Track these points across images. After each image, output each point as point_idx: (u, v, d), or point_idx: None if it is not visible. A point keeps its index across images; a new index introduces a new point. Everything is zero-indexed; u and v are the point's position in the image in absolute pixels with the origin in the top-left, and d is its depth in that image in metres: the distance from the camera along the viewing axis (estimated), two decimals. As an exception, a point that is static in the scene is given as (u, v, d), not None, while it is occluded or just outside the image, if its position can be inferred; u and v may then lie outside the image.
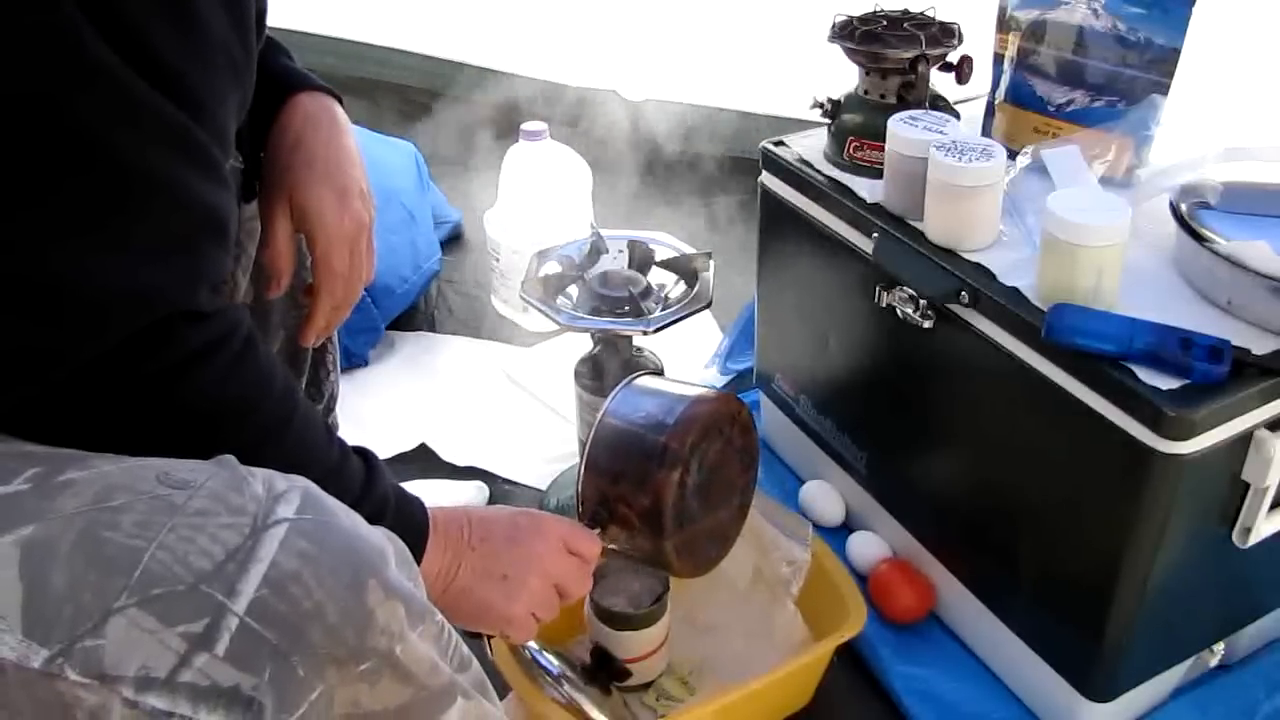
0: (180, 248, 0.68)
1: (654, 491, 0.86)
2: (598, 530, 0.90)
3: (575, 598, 0.89)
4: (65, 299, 0.64)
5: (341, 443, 0.80)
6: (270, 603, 0.60)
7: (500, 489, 1.45)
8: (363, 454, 0.82)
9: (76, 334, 0.64)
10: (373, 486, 0.79)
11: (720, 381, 1.60)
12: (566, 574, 0.88)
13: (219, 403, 0.71)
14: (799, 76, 1.52)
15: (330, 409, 1.24)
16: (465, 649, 0.72)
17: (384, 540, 0.67)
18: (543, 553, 0.87)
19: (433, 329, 1.83)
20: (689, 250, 1.34)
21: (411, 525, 0.81)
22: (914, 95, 1.12)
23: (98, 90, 0.61)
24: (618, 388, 0.92)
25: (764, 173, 1.25)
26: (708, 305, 1.29)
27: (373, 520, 0.71)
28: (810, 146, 1.22)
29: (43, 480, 0.63)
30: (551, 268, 1.31)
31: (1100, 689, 1.00)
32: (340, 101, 0.98)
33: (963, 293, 0.99)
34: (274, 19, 0.89)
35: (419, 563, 0.76)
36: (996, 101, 1.18)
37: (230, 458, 0.67)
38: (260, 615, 0.60)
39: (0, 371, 0.64)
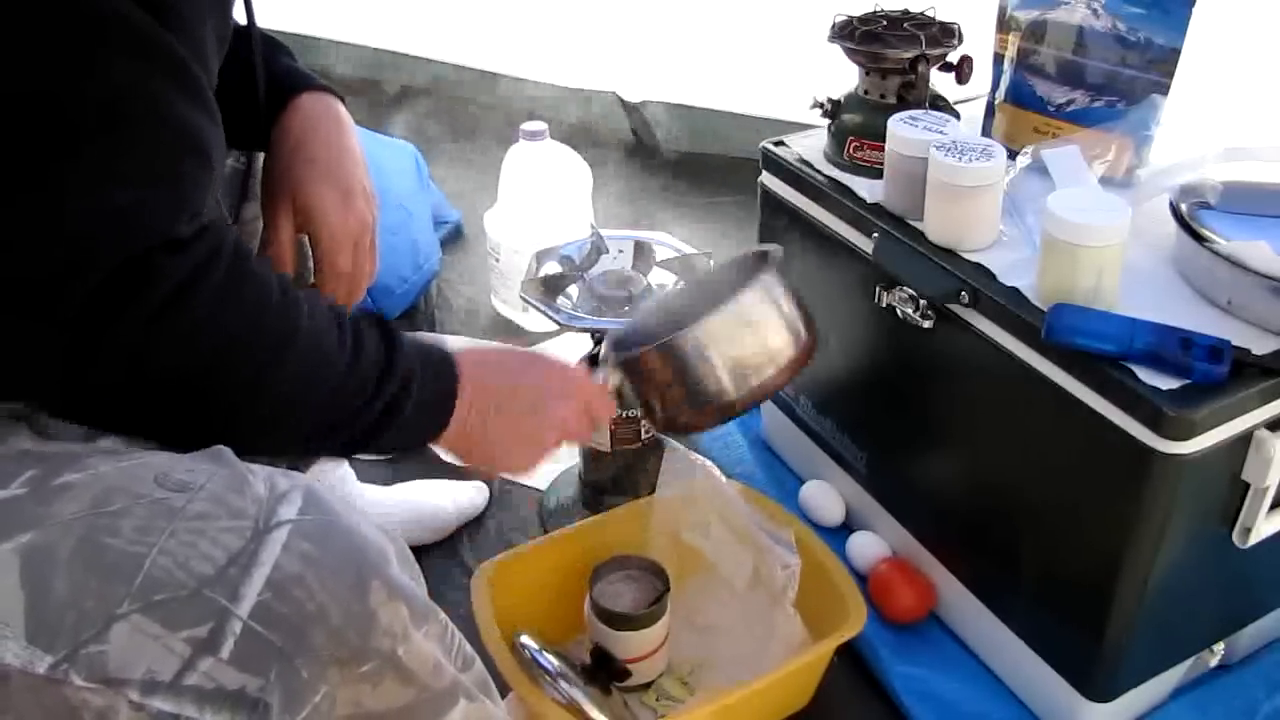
0: (163, 173, 0.64)
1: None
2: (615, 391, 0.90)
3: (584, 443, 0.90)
4: (44, 229, 0.60)
5: (355, 334, 0.74)
6: (273, 606, 0.60)
7: (500, 489, 1.45)
8: (378, 329, 0.76)
9: (59, 268, 0.60)
10: (391, 372, 0.74)
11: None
12: (579, 431, 0.88)
13: (217, 332, 0.66)
14: (799, 77, 1.52)
15: None
16: (469, 648, 0.73)
17: (385, 540, 0.67)
18: (564, 417, 0.86)
19: (433, 329, 1.83)
20: (689, 250, 1.34)
21: (440, 391, 0.79)
22: (914, 95, 1.12)
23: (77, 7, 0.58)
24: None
25: (764, 173, 1.25)
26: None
27: (397, 402, 0.73)
28: (810, 146, 1.22)
29: (39, 484, 0.62)
30: (551, 268, 1.31)
31: (1100, 689, 1.00)
32: (343, 101, 0.98)
33: (963, 293, 0.99)
34: (276, 21, 0.89)
35: (446, 423, 0.78)
36: (996, 101, 1.18)
37: (229, 454, 0.67)
38: (264, 619, 0.60)
39: None
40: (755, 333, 0.87)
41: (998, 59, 1.17)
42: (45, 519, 0.61)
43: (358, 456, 0.83)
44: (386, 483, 1.40)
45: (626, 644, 1.08)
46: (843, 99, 1.18)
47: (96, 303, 0.61)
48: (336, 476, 1.27)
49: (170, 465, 0.65)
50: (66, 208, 0.60)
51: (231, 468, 0.65)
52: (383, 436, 0.75)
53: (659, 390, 0.87)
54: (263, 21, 0.92)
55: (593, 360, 1.30)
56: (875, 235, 1.09)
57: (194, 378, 0.66)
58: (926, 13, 1.16)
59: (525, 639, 1.04)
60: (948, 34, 1.13)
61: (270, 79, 0.92)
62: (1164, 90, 1.06)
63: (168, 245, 0.63)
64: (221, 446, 0.69)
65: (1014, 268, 0.99)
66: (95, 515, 0.61)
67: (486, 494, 1.43)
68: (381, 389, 0.74)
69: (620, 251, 1.32)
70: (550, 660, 1.03)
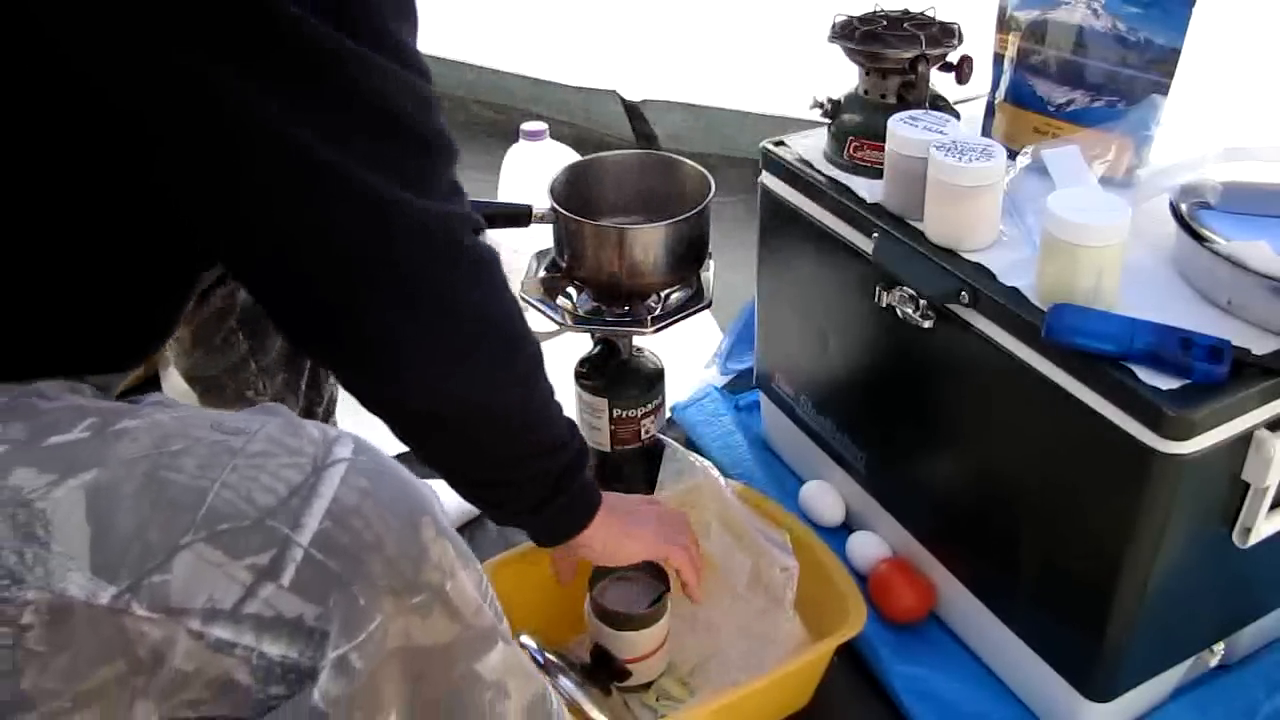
0: (458, 186, 0.74)
1: None
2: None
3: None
4: (398, 223, 0.68)
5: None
6: (333, 534, 0.62)
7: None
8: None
9: (407, 246, 0.69)
10: (575, 434, 0.88)
11: (720, 381, 1.60)
12: (670, 531, 1.03)
13: (510, 301, 0.77)
14: (799, 76, 1.52)
15: (330, 411, 1.24)
16: (499, 604, 0.74)
17: (428, 486, 0.70)
18: (654, 526, 1.01)
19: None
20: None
21: (591, 484, 0.93)
22: (914, 95, 1.12)
23: (410, 84, 0.68)
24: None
25: (764, 173, 1.25)
26: (708, 305, 1.29)
27: (574, 465, 0.87)
28: (810, 146, 1.22)
29: (100, 429, 0.65)
30: (552, 267, 1.31)
31: (1100, 689, 1.00)
32: None
33: (963, 293, 0.99)
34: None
35: (580, 531, 0.92)
36: (996, 101, 1.18)
37: (282, 407, 0.71)
38: (324, 546, 0.62)
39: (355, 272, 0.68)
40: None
41: (998, 59, 1.17)
42: (109, 458, 0.63)
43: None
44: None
45: (627, 644, 1.08)
46: (843, 99, 1.18)
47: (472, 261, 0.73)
48: None
49: (223, 415, 0.68)
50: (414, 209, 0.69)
51: (285, 416, 0.68)
52: (554, 498, 0.87)
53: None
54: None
55: (591, 361, 1.31)
56: (875, 235, 1.09)
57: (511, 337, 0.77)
58: (926, 13, 1.16)
59: (525, 639, 1.04)
60: (948, 34, 1.13)
61: None
62: (1164, 90, 1.06)
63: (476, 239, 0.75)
64: (273, 404, 0.73)
65: (1014, 268, 0.99)
66: (158, 454, 0.63)
67: (486, 494, 1.43)
68: (572, 440, 0.87)
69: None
70: (550, 660, 1.03)
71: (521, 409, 0.81)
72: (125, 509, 0.61)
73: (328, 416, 1.24)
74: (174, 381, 1.58)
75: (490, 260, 0.75)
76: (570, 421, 0.88)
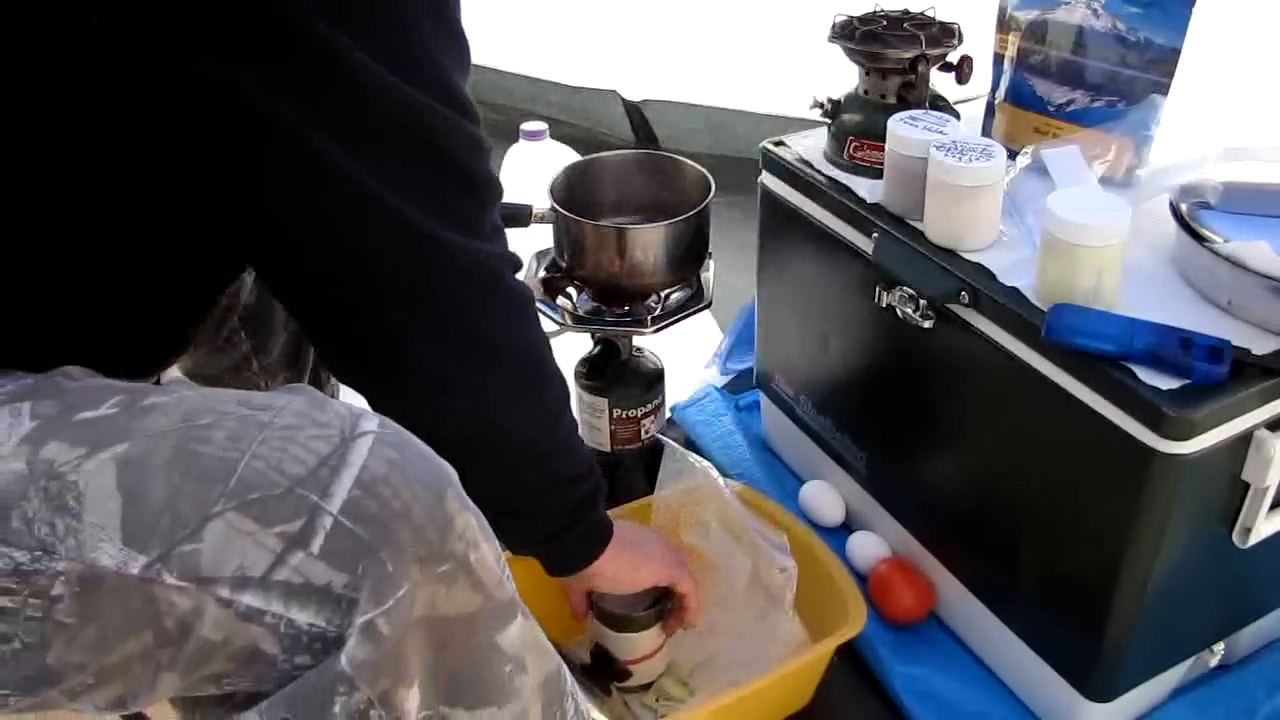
0: (499, 227, 0.78)
1: None
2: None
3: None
4: (438, 258, 0.72)
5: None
6: (362, 502, 0.63)
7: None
8: None
9: (445, 280, 0.73)
10: (592, 467, 0.92)
11: (720, 381, 1.60)
12: (667, 564, 1.06)
13: (539, 339, 0.83)
14: (799, 76, 1.52)
15: None
16: (514, 581, 0.75)
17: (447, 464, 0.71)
18: (660, 560, 1.05)
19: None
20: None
21: (604, 519, 0.96)
22: (914, 95, 1.12)
23: (461, 128, 0.72)
24: None
25: (764, 173, 1.25)
26: (708, 305, 1.29)
27: (593, 498, 0.91)
28: (810, 146, 1.22)
29: (129, 404, 0.66)
30: (552, 267, 1.31)
31: (1100, 689, 1.00)
32: None
33: (963, 293, 0.99)
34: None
35: (591, 563, 0.95)
36: (996, 101, 1.18)
37: (306, 386, 0.71)
38: (353, 514, 0.63)
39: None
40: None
41: (998, 59, 1.17)
42: (138, 431, 0.64)
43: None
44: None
45: (627, 645, 1.08)
46: (843, 99, 1.18)
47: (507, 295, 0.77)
48: None
49: (249, 394, 0.69)
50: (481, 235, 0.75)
51: (310, 394, 0.69)
52: (588, 517, 0.92)
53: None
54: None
55: (591, 361, 1.31)
56: (875, 235, 1.09)
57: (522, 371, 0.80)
58: (926, 13, 1.16)
59: (525, 639, 1.04)
60: (948, 34, 1.13)
61: None
62: (1164, 90, 1.06)
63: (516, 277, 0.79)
64: (298, 384, 0.74)
65: (1014, 268, 0.99)
66: (187, 427, 0.64)
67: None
68: (591, 473, 0.91)
69: (620, 251, 1.32)
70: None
71: (547, 439, 0.85)
72: (156, 480, 0.62)
73: None
74: (173, 377, 1.59)
75: (526, 297, 0.80)
76: (590, 454, 0.91)
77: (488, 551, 0.70)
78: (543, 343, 0.82)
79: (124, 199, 0.71)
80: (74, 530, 0.61)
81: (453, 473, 0.69)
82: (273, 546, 0.62)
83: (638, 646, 1.09)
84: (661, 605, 1.08)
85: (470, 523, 0.68)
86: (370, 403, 0.77)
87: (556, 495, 0.88)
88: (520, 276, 0.80)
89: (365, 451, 0.65)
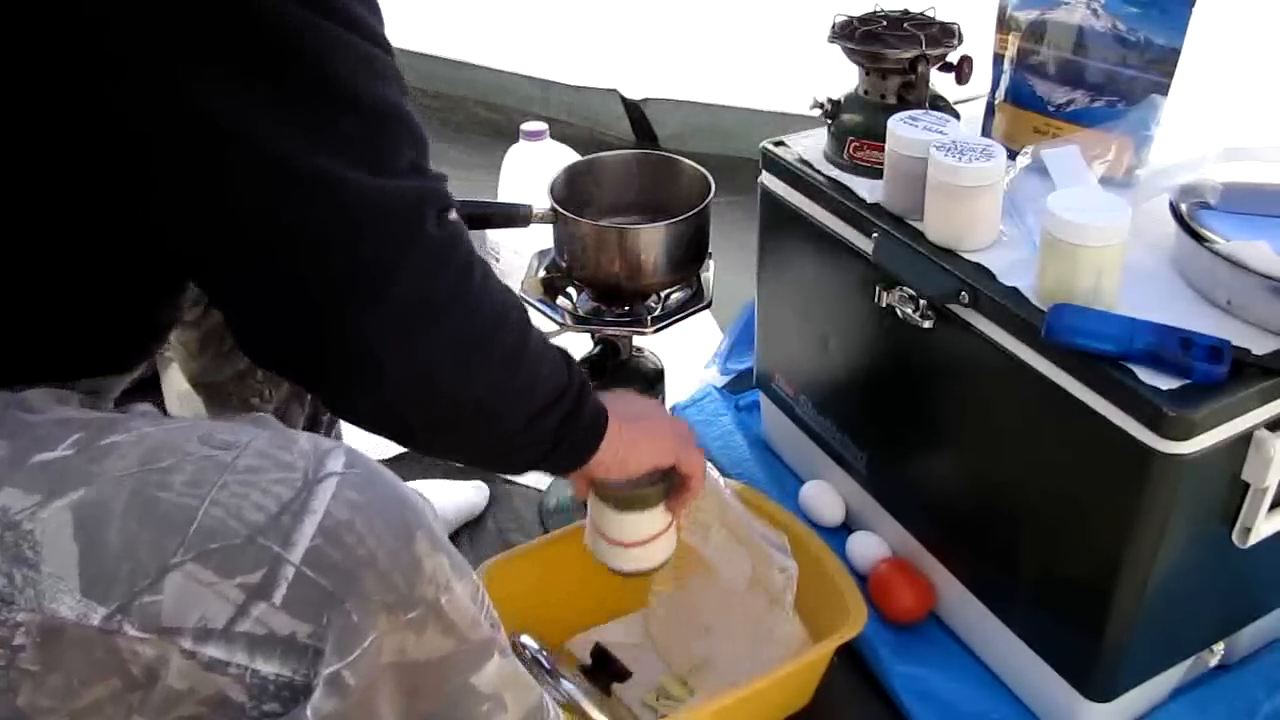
0: (423, 163, 0.69)
1: None
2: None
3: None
4: (342, 203, 0.63)
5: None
6: (325, 551, 0.62)
7: (500, 489, 1.45)
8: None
9: (374, 237, 0.64)
10: (571, 367, 0.82)
11: (720, 381, 1.60)
12: (679, 440, 0.97)
13: (493, 298, 0.72)
14: (799, 76, 1.52)
15: (335, 421, 1.24)
16: (495, 612, 0.74)
17: (421, 497, 0.69)
18: (665, 429, 0.96)
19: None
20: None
21: (596, 403, 0.86)
22: (914, 95, 1.12)
23: (353, 47, 0.64)
24: None
25: (764, 173, 1.25)
26: (708, 305, 1.29)
27: (580, 402, 0.80)
28: (810, 146, 1.22)
29: (86, 445, 0.64)
30: (552, 267, 1.31)
31: (1100, 689, 1.00)
32: None
33: (963, 293, 0.99)
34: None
35: (596, 450, 0.85)
36: (996, 101, 1.18)
37: (271, 419, 0.70)
38: (316, 563, 0.61)
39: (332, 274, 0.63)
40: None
41: (998, 59, 1.17)
42: (96, 476, 0.62)
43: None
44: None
45: (629, 526, 1.01)
46: (843, 99, 1.18)
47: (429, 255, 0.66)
48: None
49: (213, 427, 0.67)
50: (400, 174, 0.66)
51: (276, 429, 0.67)
52: (574, 432, 0.81)
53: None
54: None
55: (591, 361, 1.30)
56: (875, 235, 1.08)
57: (475, 348, 0.70)
58: (926, 13, 1.16)
59: (525, 639, 1.04)
60: (948, 34, 1.13)
61: None
62: (1164, 90, 1.06)
63: (446, 219, 0.68)
64: (263, 414, 0.72)
65: (1014, 268, 0.99)
66: (145, 471, 0.62)
67: (486, 494, 1.43)
68: (569, 386, 0.80)
69: (620, 251, 1.32)
70: (550, 660, 1.03)
71: (507, 389, 0.75)
72: (114, 528, 0.60)
73: (332, 425, 1.24)
74: (174, 382, 1.58)
75: (454, 239, 0.68)
76: (562, 360, 0.81)
77: (461, 592, 0.68)
78: (482, 287, 0.71)
79: (72, 184, 0.66)
80: (32, 581, 0.60)
81: (424, 511, 0.67)
82: (234, 598, 0.60)
83: (639, 527, 1.01)
84: (667, 482, 1.00)
85: (442, 564, 0.66)
86: (323, 398, 0.72)
87: (532, 431, 0.78)
88: (454, 217, 0.69)
89: (328, 496, 0.63)
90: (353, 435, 1.17)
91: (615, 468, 0.89)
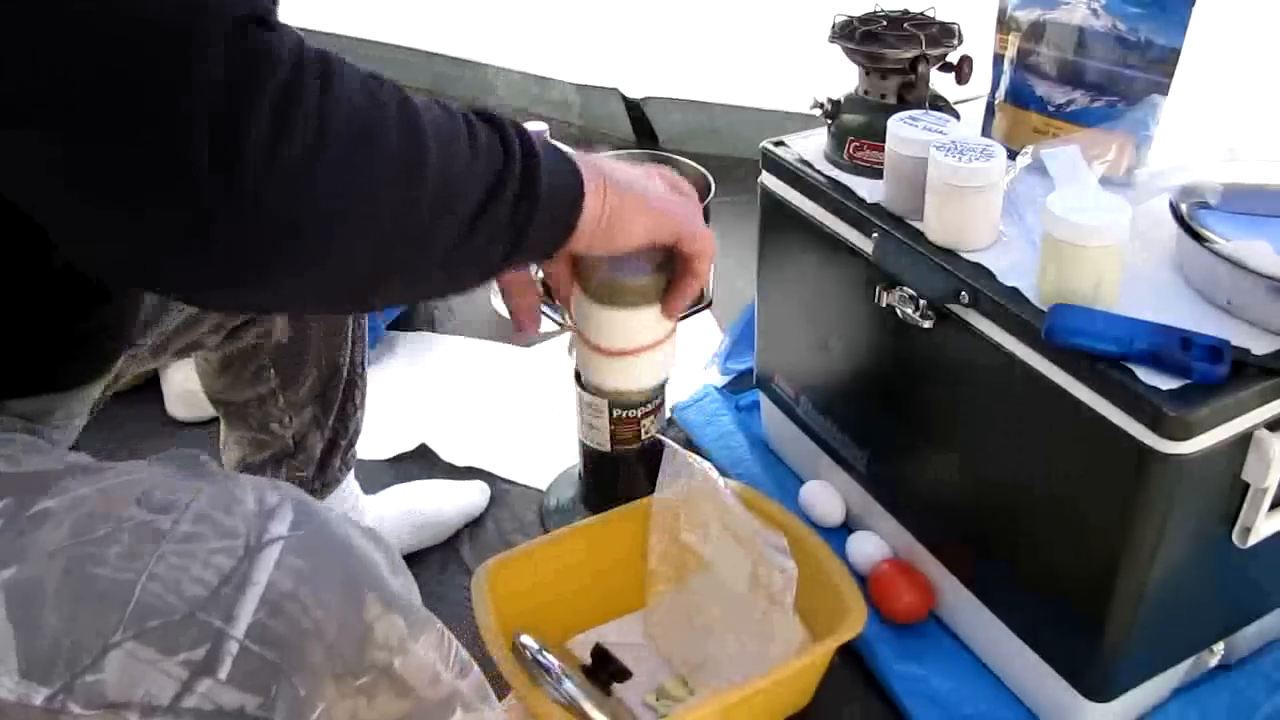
0: None
1: None
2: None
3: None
4: (137, 28, 0.51)
5: (448, 108, 0.65)
6: (269, 625, 0.60)
7: (500, 489, 1.45)
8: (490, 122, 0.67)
9: (170, 60, 0.51)
10: (505, 134, 0.66)
11: (720, 381, 1.60)
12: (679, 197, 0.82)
13: (349, 110, 0.57)
14: (799, 76, 1.52)
15: (352, 443, 1.24)
16: (465, 654, 0.72)
17: (377, 550, 0.67)
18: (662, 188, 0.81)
19: (433, 329, 1.83)
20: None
21: (562, 158, 0.71)
22: (914, 95, 1.12)
23: None
24: None
25: (764, 173, 1.25)
26: (708, 305, 1.29)
27: (531, 169, 0.65)
28: (810, 146, 1.22)
29: (15, 514, 0.61)
30: (551, 268, 1.31)
31: (1100, 689, 1.00)
32: None
33: (963, 293, 0.99)
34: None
35: (579, 219, 0.70)
36: (996, 101, 1.18)
37: (213, 466, 0.65)
38: (260, 637, 0.59)
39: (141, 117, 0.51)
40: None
41: (998, 59, 1.17)
42: (27, 551, 0.60)
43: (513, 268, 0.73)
44: (387, 486, 1.40)
45: (619, 327, 0.85)
46: (843, 99, 1.18)
47: (232, 77, 0.52)
48: (349, 491, 1.27)
49: (151, 483, 0.63)
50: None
51: (217, 484, 0.64)
52: (533, 216, 0.67)
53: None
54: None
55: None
56: (875, 235, 1.09)
57: (340, 170, 0.56)
58: (926, 13, 1.16)
59: (525, 639, 1.04)
60: (948, 34, 1.13)
61: None
62: (1164, 90, 1.06)
63: (264, 24, 0.55)
64: (203, 458, 0.67)
65: (1014, 268, 0.99)
66: (79, 544, 0.60)
67: (487, 494, 1.43)
68: (505, 166, 0.65)
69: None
70: (550, 660, 1.03)
71: (417, 211, 0.61)
72: (50, 607, 0.58)
73: (349, 448, 1.24)
74: (175, 382, 1.59)
75: (286, 47, 0.55)
76: (491, 136, 0.65)
77: (418, 650, 0.65)
78: (347, 95, 0.57)
79: None
80: None
81: (376, 569, 0.64)
82: (178, 675, 0.58)
83: (631, 328, 0.85)
84: (666, 273, 0.83)
85: (395, 625, 0.64)
86: (201, 300, 0.63)
87: (479, 235, 0.64)
88: (278, 25, 0.56)
89: (271, 565, 0.60)
90: (361, 441, 1.16)
91: (600, 240, 0.73)
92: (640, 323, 0.85)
